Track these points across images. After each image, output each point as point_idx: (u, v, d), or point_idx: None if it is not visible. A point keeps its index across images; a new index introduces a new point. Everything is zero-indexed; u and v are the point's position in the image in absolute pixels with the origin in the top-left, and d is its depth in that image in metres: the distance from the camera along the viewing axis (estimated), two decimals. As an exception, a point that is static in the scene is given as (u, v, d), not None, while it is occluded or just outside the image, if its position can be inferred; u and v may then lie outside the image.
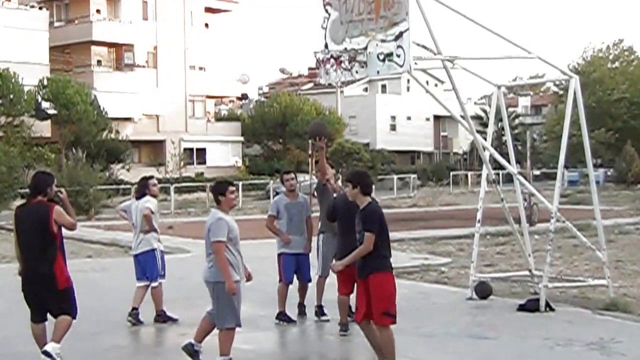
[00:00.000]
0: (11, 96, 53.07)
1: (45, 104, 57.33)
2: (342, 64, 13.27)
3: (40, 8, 63.79)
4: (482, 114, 79.58)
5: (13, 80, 53.34)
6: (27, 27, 59.47)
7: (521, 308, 13.71)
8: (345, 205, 10.96)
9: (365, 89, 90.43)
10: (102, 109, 60.42)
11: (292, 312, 12.99)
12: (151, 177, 13.59)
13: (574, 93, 14.18)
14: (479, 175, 19.45)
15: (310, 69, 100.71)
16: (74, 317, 10.18)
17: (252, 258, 19.10)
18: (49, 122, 58.52)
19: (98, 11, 68.79)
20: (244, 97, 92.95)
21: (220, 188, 10.08)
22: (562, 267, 19.03)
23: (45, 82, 57.76)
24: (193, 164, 70.67)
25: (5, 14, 58.98)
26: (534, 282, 14.89)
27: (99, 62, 68.82)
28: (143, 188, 13.27)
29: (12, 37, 57.90)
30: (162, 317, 12.96)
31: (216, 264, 9.61)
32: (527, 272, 15.62)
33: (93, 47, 68.24)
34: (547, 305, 13.55)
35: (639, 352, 10.98)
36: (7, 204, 33.54)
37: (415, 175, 69.80)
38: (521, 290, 15.58)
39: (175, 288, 13.03)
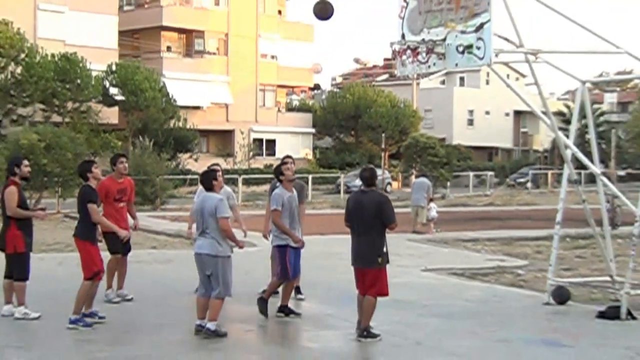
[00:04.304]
0: (79, 81, 53.57)
1: (113, 90, 57.92)
2: (419, 56, 13.26)
3: (110, -9, 64.43)
4: (565, 110, 78.60)
5: (81, 65, 53.74)
6: (96, 10, 59.97)
7: (601, 315, 13.57)
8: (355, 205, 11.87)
9: (443, 82, 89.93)
10: (170, 96, 60.88)
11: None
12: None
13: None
14: (560, 175, 19.21)
15: (385, 59, 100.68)
16: (23, 281, 12.61)
17: (320, 254, 19.29)
18: (116, 108, 59.04)
19: (169, -4, 69.51)
20: (316, 87, 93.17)
21: (212, 175, 12.10)
22: (645, 273, 18.71)
23: (114, 68, 58.23)
24: (262, 155, 70.99)
25: (74, -3, 59.72)
26: (615, 289, 14.64)
27: (168, 48, 69.48)
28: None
29: (81, 21, 58.53)
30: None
31: (223, 240, 11.67)
32: (607, 278, 15.38)
33: (163, 33, 68.83)
34: (629, 313, 13.41)
35: None
36: (71, 191, 34.00)
37: (492, 173, 69.42)
38: (601, 297, 15.44)
39: (240, 283, 13.12)
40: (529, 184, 67.58)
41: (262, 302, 13.19)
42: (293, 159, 14.32)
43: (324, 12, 13.77)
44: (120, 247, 14.30)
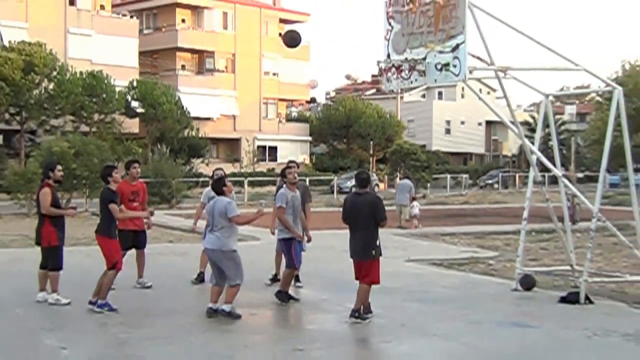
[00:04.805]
0: (104, 96, 53.66)
1: (134, 103, 57.93)
2: (403, 73, 13.27)
3: (131, 17, 64.36)
4: (531, 120, 78.59)
5: (106, 82, 53.84)
6: (119, 34, 60.08)
7: (562, 300, 13.53)
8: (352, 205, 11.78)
9: (423, 95, 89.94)
10: (184, 109, 60.91)
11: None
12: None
13: (617, 103, 13.93)
14: (527, 177, 19.22)
15: (373, 76, 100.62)
16: (56, 271, 12.67)
17: (316, 247, 19.23)
18: (137, 119, 59.09)
19: (183, 20, 69.51)
20: (312, 100, 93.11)
21: (222, 182, 12.27)
22: (601, 263, 18.70)
23: (135, 84, 58.31)
24: (265, 160, 71.05)
25: (99, 21, 59.67)
26: (575, 277, 14.62)
27: (182, 66, 69.48)
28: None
29: (106, 43, 58.58)
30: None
31: (229, 236, 11.71)
32: (568, 267, 15.36)
33: (178, 53, 68.87)
34: (587, 298, 13.37)
35: (672, 343, 10.77)
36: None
37: (467, 175, 69.43)
38: (563, 284, 15.38)
39: (245, 272, 13.09)
40: (496, 185, 67.75)
41: (281, 294, 13.15)
42: (297, 164, 14.31)
43: (292, 40, 14.72)
44: (131, 244, 14.28)
